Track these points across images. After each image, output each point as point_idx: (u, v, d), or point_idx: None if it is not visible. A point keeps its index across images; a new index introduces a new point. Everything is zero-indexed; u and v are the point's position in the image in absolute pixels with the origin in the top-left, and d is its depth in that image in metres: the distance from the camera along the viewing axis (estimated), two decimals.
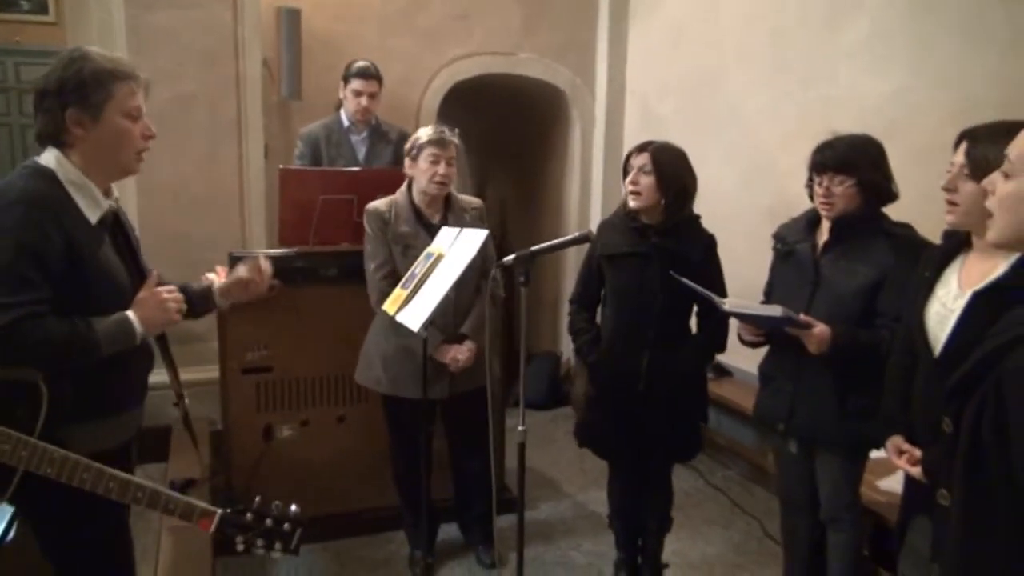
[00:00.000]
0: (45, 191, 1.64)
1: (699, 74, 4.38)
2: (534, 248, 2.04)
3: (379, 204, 2.89)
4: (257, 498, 1.73)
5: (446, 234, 2.40)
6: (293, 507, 1.72)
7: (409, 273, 2.37)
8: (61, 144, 1.70)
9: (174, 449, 3.71)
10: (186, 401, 3.20)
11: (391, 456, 3.08)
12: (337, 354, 3.18)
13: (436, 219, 2.86)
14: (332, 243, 3.21)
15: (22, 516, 1.79)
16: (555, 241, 2.10)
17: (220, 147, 4.06)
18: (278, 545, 1.70)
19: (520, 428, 2.05)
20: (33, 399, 1.61)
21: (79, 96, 1.66)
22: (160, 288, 1.80)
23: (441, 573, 3.09)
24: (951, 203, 1.75)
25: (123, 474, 1.63)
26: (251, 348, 3.12)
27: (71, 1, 4.19)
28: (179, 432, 3.77)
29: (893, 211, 2.33)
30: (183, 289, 1.99)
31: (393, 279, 2.71)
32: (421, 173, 2.80)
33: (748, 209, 3.87)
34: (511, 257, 2.05)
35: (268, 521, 1.70)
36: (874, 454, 2.50)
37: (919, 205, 2.25)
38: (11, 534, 2.23)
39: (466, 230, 2.30)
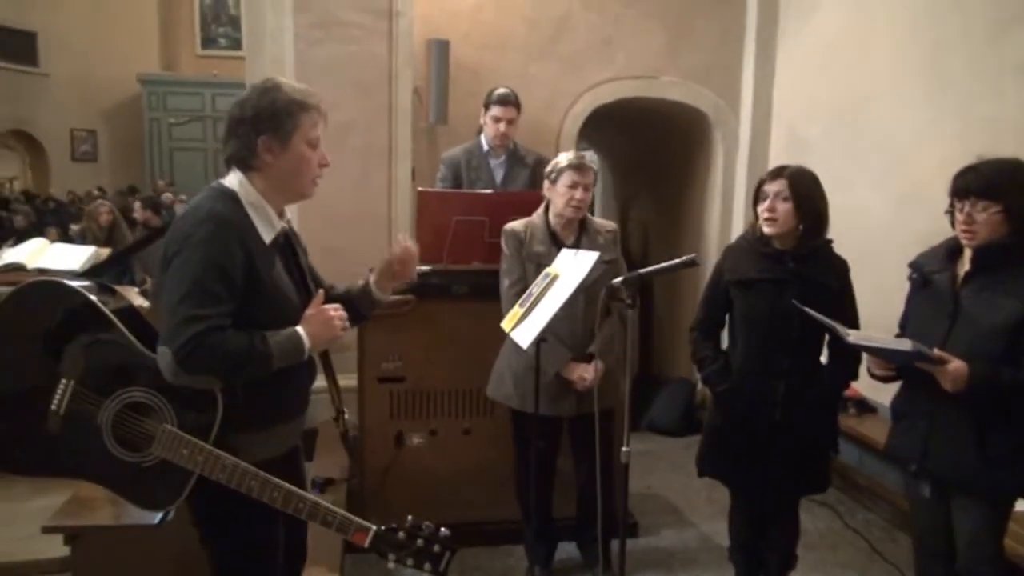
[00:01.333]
0: (230, 211, 1.76)
1: (850, 94, 4.20)
2: (641, 271, 2.06)
3: (516, 225, 3.01)
4: (409, 517, 1.77)
5: (565, 255, 2.47)
6: (443, 530, 1.75)
7: (527, 292, 2.45)
8: (248, 168, 1.81)
9: (319, 451, 3.99)
10: (346, 417, 3.42)
11: (516, 470, 3.15)
12: (465, 368, 3.32)
13: (570, 241, 2.94)
14: (464, 262, 3.35)
15: (192, 517, 1.92)
16: (662, 265, 2.11)
17: (372, 170, 4.36)
18: (427, 566, 1.73)
19: (624, 449, 2.06)
20: (209, 408, 1.74)
21: (273, 124, 1.77)
22: (327, 306, 1.88)
23: None
24: None
25: (288, 485, 1.73)
26: (386, 359, 3.31)
27: (251, 38, 4.65)
28: (325, 435, 4.06)
29: None
30: (345, 295, 2.07)
31: None
32: (559, 196, 2.89)
33: (901, 237, 3.64)
34: (619, 279, 2.08)
35: (419, 541, 1.73)
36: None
37: None
38: (171, 514, 2.50)
39: (582, 252, 2.35)
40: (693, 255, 2.11)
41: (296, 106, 1.80)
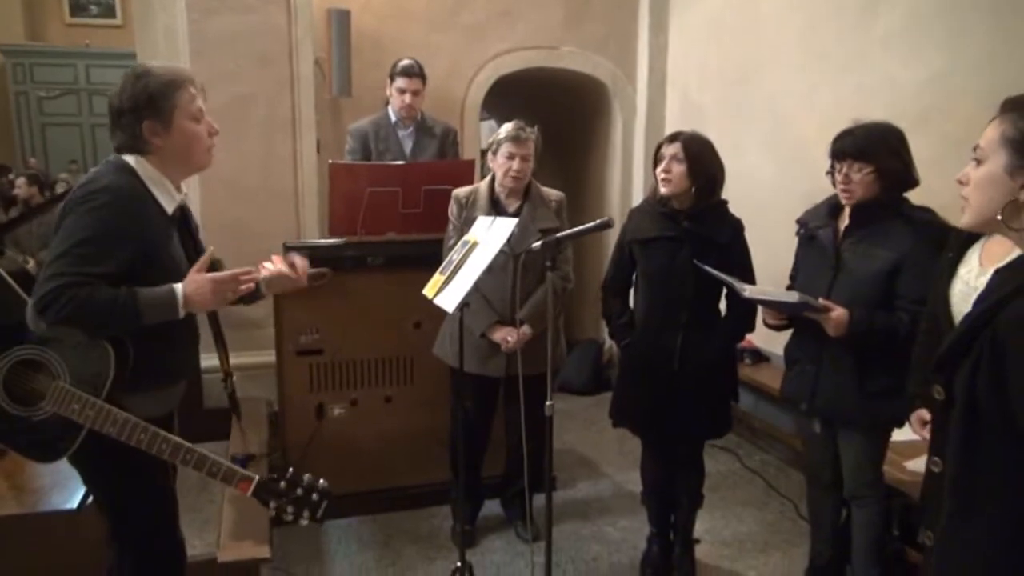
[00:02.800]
0: (129, 184, 1.83)
1: (738, 64, 4.43)
2: (559, 235, 2.18)
3: (461, 191, 3.09)
4: (290, 469, 1.86)
5: (481, 223, 2.55)
6: (322, 480, 1.86)
7: (447, 259, 2.52)
8: (140, 153, 1.88)
9: (235, 428, 3.96)
10: (233, 379, 3.40)
11: (450, 428, 3.24)
12: (383, 338, 3.37)
13: (512, 208, 3.04)
14: (379, 233, 3.38)
15: (81, 475, 1.99)
16: (579, 228, 2.23)
17: (276, 143, 4.29)
18: (306, 513, 1.83)
19: (548, 403, 2.19)
20: (101, 365, 1.81)
21: (152, 109, 1.85)
22: (212, 274, 1.89)
23: (481, 545, 3.25)
24: None
25: (175, 438, 1.82)
26: (304, 332, 3.32)
27: (138, 8, 4.44)
28: (244, 412, 4.02)
29: (927, 197, 2.37)
30: None
31: None
32: (498, 167, 3.00)
33: (785, 197, 3.90)
34: (538, 243, 2.19)
35: (299, 490, 1.83)
36: (903, 435, 2.57)
37: (954, 191, 2.29)
38: (88, 501, 2.48)
39: (499, 219, 2.44)
40: (607, 218, 2.23)
41: (169, 86, 1.87)
